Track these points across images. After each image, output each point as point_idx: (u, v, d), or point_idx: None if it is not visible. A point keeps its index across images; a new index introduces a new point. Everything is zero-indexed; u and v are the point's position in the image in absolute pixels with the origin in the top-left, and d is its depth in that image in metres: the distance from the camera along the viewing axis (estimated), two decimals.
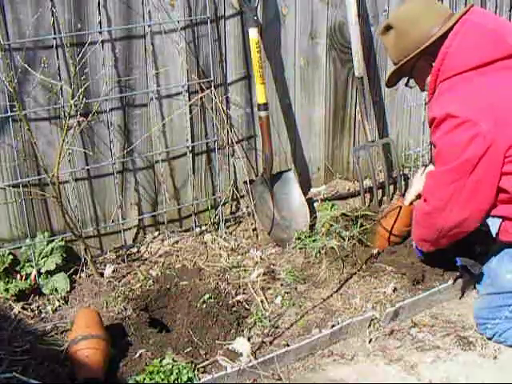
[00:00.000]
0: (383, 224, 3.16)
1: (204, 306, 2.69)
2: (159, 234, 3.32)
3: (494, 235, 2.58)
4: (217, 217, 3.39)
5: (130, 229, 3.25)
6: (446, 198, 2.55)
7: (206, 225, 3.39)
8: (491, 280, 2.66)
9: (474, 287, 2.88)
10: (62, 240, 2.98)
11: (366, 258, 3.10)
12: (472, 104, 2.45)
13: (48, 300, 2.86)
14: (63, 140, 2.72)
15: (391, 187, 3.71)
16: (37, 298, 2.88)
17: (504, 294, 2.58)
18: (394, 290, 2.89)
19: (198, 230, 3.36)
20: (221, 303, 2.73)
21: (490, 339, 2.61)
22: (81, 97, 2.69)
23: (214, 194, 3.40)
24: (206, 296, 2.73)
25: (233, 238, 3.32)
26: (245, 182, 3.35)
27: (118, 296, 2.83)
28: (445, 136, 2.50)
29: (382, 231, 3.15)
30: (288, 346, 2.55)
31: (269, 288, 2.94)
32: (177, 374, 2.36)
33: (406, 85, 2.84)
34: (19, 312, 2.78)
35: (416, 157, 3.88)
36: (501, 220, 2.54)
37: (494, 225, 2.56)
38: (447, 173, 2.53)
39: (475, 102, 2.45)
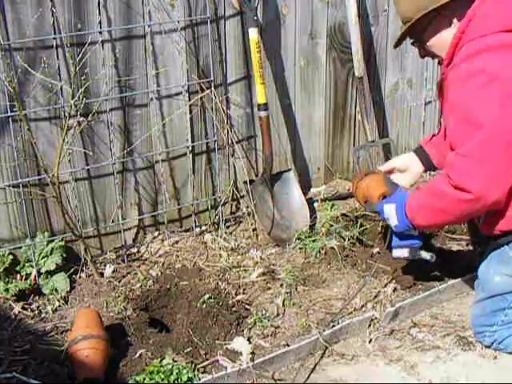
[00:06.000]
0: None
1: (204, 306, 2.69)
2: (159, 234, 3.32)
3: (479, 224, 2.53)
4: (217, 217, 3.39)
5: (129, 229, 3.25)
6: (500, 169, 2.26)
7: (206, 225, 3.39)
8: (482, 286, 2.60)
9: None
10: (61, 240, 2.98)
11: (365, 258, 3.10)
12: (507, 62, 2.27)
13: (48, 300, 2.86)
14: (63, 140, 2.72)
15: None
16: (37, 297, 2.88)
17: (495, 297, 2.51)
18: (394, 290, 2.89)
19: (197, 229, 3.36)
20: (221, 303, 2.73)
21: (488, 347, 2.57)
22: (81, 97, 2.69)
23: (213, 194, 3.40)
24: (206, 296, 2.73)
25: (233, 238, 3.32)
26: (245, 182, 3.35)
27: (118, 296, 2.83)
28: (476, 91, 2.28)
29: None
30: (288, 346, 2.55)
31: (269, 288, 2.94)
32: (177, 374, 2.35)
33: (413, 44, 2.61)
34: (19, 312, 2.78)
35: None
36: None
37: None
38: (491, 138, 2.24)
39: (509, 62, 2.28)
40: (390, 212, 2.61)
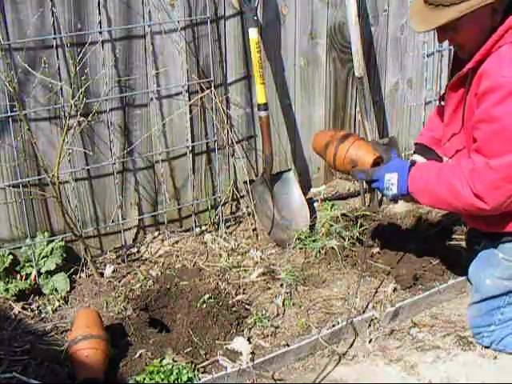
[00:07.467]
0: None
1: (204, 305, 2.69)
2: (159, 234, 3.32)
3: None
4: (217, 217, 3.39)
5: (129, 229, 3.25)
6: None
7: (206, 225, 3.39)
8: (475, 288, 2.60)
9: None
10: (62, 240, 2.98)
11: (365, 258, 3.10)
12: None
13: (48, 300, 2.86)
14: (63, 140, 2.72)
15: None
16: (37, 297, 2.88)
17: (489, 299, 2.52)
18: (394, 290, 2.89)
19: (197, 230, 3.36)
20: (221, 303, 2.73)
21: (487, 347, 2.57)
22: (81, 97, 2.70)
23: (214, 194, 3.40)
24: (206, 296, 2.73)
25: (233, 238, 3.32)
26: (245, 182, 3.35)
27: (118, 296, 2.83)
28: None
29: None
30: (288, 346, 2.55)
31: (269, 288, 2.94)
32: (177, 374, 2.36)
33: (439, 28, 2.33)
34: (19, 312, 2.78)
35: None
36: None
37: None
38: None
39: None
40: (391, 181, 2.46)
